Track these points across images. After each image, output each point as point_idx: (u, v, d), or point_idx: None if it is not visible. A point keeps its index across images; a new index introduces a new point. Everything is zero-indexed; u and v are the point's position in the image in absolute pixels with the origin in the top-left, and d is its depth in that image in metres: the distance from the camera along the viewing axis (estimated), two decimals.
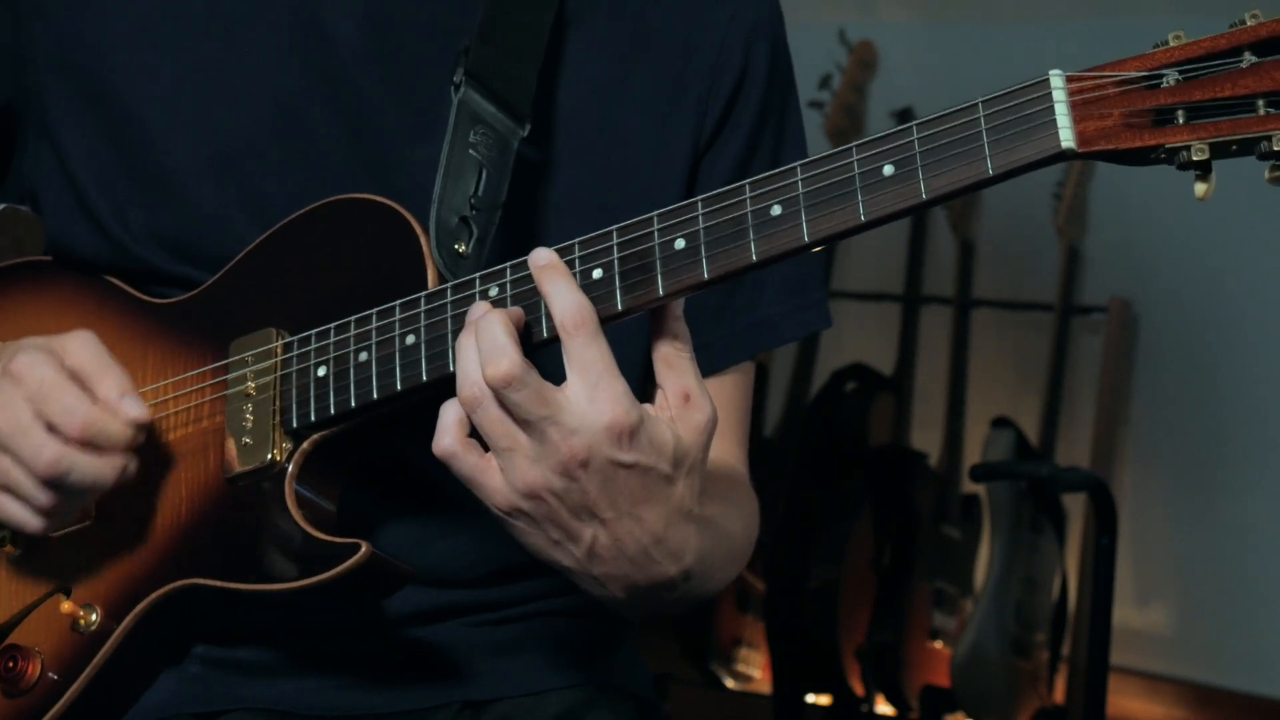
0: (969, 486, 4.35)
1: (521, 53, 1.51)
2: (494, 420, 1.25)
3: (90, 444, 1.36)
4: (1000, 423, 4.30)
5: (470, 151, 1.45)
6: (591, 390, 1.24)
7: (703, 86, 1.59)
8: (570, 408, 1.24)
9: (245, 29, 1.52)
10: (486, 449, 1.28)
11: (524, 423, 1.24)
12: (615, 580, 1.33)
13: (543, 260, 1.28)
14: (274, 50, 1.52)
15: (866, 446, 4.42)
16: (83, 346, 1.40)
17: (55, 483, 1.36)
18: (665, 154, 1.58)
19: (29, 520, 1.39)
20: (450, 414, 1.28)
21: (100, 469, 1.37)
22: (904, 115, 4.52)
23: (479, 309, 1.28)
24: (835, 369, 4.52)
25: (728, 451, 1.62)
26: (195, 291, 1.51)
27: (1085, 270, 4.63)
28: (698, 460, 1.30)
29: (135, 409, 1.38)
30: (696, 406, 1.29)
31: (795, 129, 1.68)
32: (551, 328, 1.27)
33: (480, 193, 1.44)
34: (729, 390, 1.64)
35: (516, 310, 1.29)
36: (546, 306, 1.27)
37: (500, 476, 1.27)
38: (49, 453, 1.35)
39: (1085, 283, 4.63)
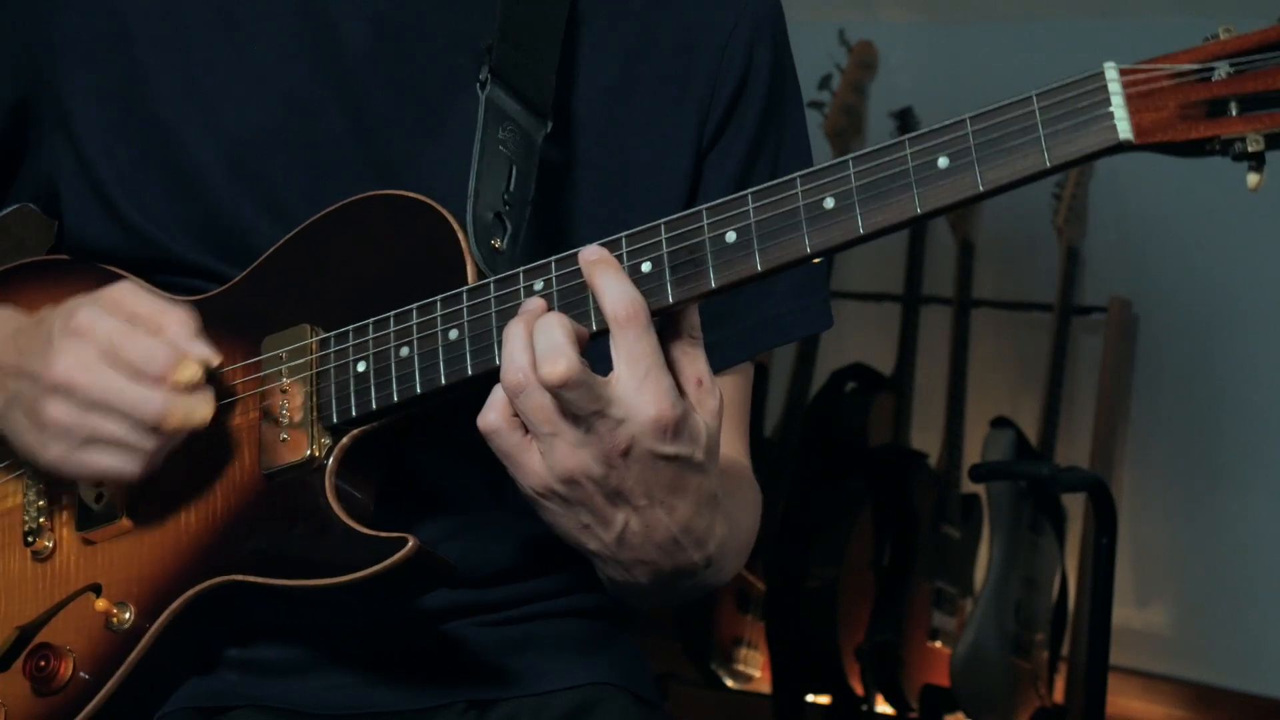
0: (969, 486, 4.35)
1: (540, 51, 1.51)
2: (538, 407, 1.25)
3: (180, 384, 1.36)
4: (1000, 423, 4.31)
5: (500, 148, 1.45)
6: (640, 383, 1.24)
7: (706, 87, 1.60)
8: (618, 400, 1.24)
9: (256, 28, 1.53)
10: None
11: (573, 416, 1.25)
12: (641, 566, 1.34)
13: (593, 256, 1.28)
14: (284, 49, 1.53)
15: (866, 446, 4.42)
16: (133, 293, 1.40)
17: (162, 429, 1.36)
18: (669, 153, 1.59)
19: (127, 466, 1.38)
20: (501, 392, 1.28)
21: (204, 405, 1.37)
22: (904, 116, 4.52)
23: (535, 303, 1.29)
24: (835, 369, 4.53)
25: (733, 447, 1.63)
26: (222, 289, 1.51)
27: (1085, 270, 4.63)
28: (718, 445, 1.32)
29: (203, 350, 1.38)
30: (709, 392, 1.30)
31: (798, 130, 1.69)
32: (600, 320, 1.27)
33: (512, 189, 1.44)
34: (734, 387, 1.64)
35: (581, 329, 1.28)
36: (596, 300, 1.27)
37: (540, 458, 1.28)
38: (156, 400, 1.35)
39: (1085, 283, 4.63)
